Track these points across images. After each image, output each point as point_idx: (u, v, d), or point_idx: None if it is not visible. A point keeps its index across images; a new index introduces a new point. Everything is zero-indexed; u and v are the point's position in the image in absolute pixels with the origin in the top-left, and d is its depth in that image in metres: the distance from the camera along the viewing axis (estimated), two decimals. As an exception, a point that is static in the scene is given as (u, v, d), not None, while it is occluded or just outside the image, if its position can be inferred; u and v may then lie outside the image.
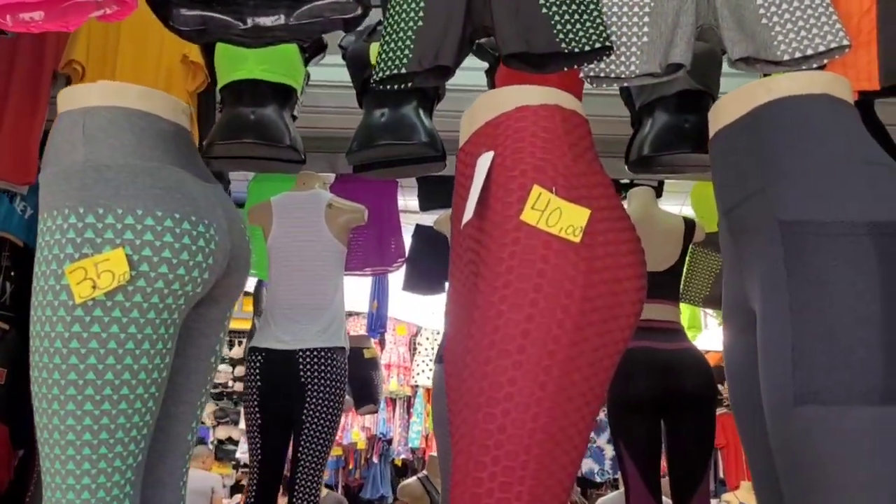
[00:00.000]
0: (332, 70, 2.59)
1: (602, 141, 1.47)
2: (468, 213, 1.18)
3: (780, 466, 1.05)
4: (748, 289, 1.15)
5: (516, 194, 1.14)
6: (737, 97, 1.19)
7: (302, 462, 2.55)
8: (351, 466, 6.39)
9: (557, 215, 1.12)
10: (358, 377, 4.00)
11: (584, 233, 1.12)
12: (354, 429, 5.89)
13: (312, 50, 2.40)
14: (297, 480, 2.58)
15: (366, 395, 4.15)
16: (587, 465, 6.08)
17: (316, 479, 2.57)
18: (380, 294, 4.85)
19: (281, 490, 2.84)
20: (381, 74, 1.46)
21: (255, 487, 2.68)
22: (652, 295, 2.63)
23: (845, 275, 0.99)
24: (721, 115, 1.22)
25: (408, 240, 3.57)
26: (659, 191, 3.19)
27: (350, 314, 5.75)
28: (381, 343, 6.35)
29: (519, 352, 1.07)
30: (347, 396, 4.10)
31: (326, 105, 2.75)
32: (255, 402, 2.68)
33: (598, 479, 6.01)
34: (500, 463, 1.04)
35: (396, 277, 3.81)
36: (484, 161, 1.19)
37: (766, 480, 1.19)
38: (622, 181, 3.05)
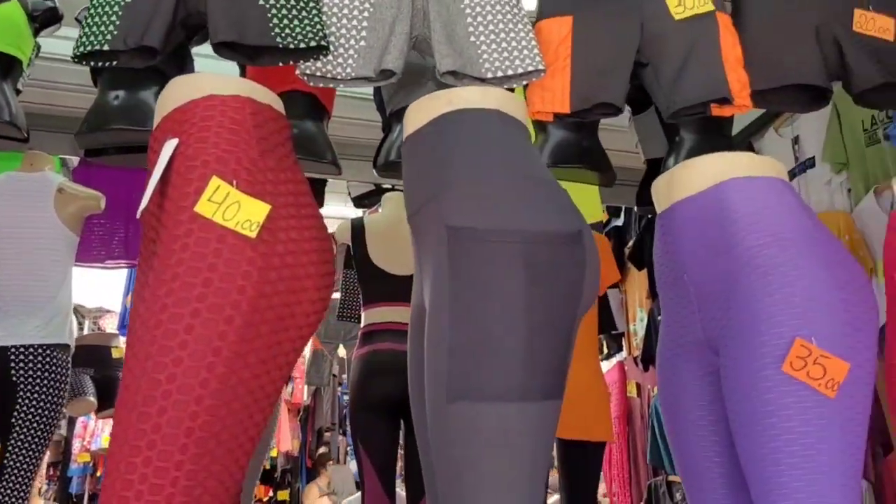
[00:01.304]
0: (70, 44, 2.40)
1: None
2: (144, 202, 1.13)
3: (434, 461, 1.09)
4: (424, 289, 1.19)
5: (194, 185, 1.11)
6: (425, 105, 1.23)
7: (8, 472, 2.32)
8: (100, 473, 5.95)
9: (235, 209, 1.10)
10: (103, 377, 3.74)
11: (264, 228, 1.11)
12: (105, 434, 5.50)
13: (44, 20, 2.22)
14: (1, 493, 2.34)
15: (112, 397, 3.89)
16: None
17: (22, 491, 2.34)
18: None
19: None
20: (80, 49, 1.36)
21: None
22: (397, 298, 2.72)
23: (497, 279, 1.05)
24: (410, 121, 1.26)
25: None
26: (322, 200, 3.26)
27: (103, 311, 5.38)
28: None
29: (181, 347, 1.03)
30: (91, 398, 3.82)
31: (65, 82, 2.55)
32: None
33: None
34: (151, 464, 0.99)
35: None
36: (167, 148, 1.15)
37: (431, 475, 1.24)
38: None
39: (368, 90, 2.39)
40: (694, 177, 1.32)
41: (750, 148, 2.83)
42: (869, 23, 1.52)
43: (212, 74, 1.22)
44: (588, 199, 2.99)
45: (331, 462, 6.65)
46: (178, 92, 1.20)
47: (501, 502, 1.01)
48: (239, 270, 1.07)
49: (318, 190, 3.31)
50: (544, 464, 1.07)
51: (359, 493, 2.69)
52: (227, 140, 1.14)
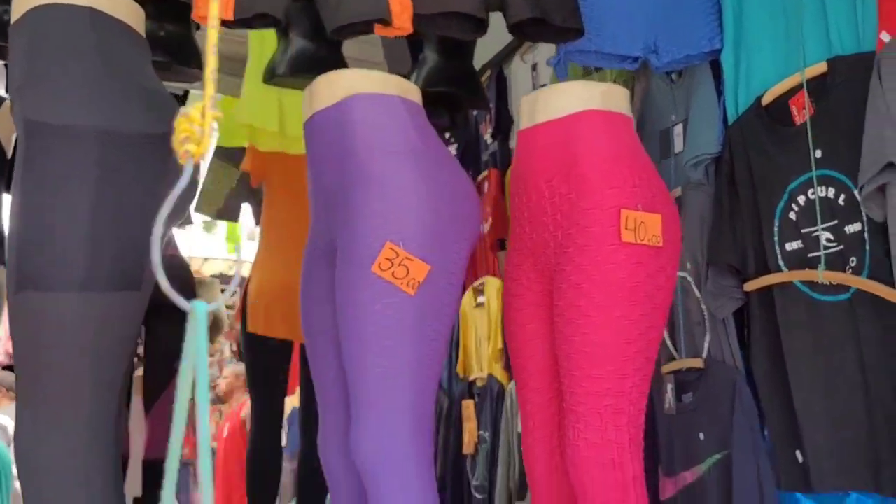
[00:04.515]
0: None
1: None
2: None
3: (15, 354, 1.14)
4: None
5: None
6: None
7: None
8: None
9: None
10: None
11: None
12: None
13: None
14: None
15: None
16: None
17: None
18: None
19: None
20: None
21: None
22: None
23: (65, 175, 1.10)
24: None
25: None
26: (183, 100, 3.20)
27: None
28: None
29: None
30: None
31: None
32: None
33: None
34: None
35: None
36: None
37: None
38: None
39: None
40: (328, 90, 1.39)
41: (501, 73, 2.97)
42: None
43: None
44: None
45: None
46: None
47: (61, 392, 1.08)
48: None
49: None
50: (113, 358, 1.14)
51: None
52: None
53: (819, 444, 1.48)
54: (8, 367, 4.49)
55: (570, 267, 1.35)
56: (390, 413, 1.25)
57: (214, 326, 3.71)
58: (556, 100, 1.43)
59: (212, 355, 6.12)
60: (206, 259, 6.04)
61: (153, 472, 2.65)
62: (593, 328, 1.31)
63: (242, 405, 4.70)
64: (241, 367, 5.24)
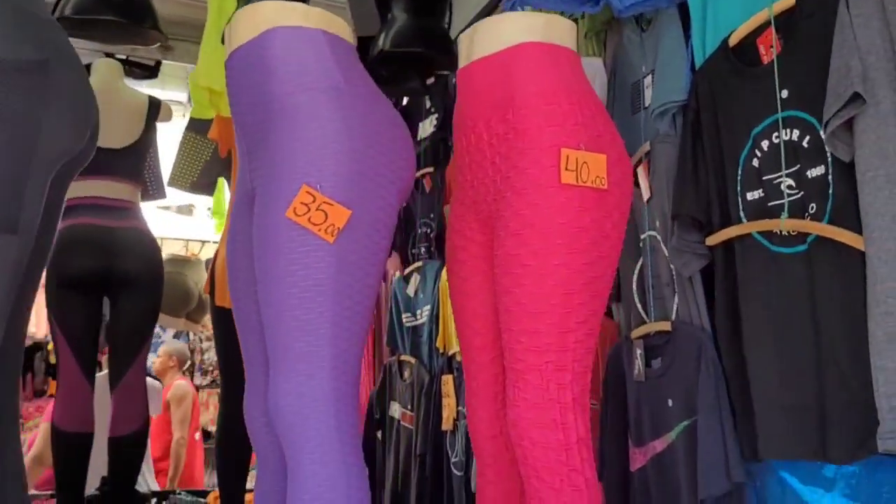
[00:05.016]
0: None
1: None
2: None
3: None
4: None
5: None
6: None
7: None
8: None
9: None
10: None
11: None
12: None
13: None
14: None
15: None
16: (150, 360, 6.01)
17: None
18: None
19: None
20: None
21: None
22: (105, 172, 2.61)
23: None
24: None
25: None
26: (156, 71, 3.13)
27: None
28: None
29: None
30: None
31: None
32: None
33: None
34: None
35: None
36: None
37: None
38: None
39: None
40: (250, 23, 1.29)
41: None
42: None
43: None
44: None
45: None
46: None
47: None
48: None
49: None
50: None
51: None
52: None
53: (766, 409, 1.37)
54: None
55: (509, 213, 1.25)
56: (308, 371, 1.16)
57: (184, 303, 3.63)
58: (494, 32, 1.32)
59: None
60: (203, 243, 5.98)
61: (118, 449, 2.60)
62: (532, 279, 1.21)
63: (170, 387, 4.68)
64: (174, 347, 5.23)
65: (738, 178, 1.47)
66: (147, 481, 3.73)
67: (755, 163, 1.45)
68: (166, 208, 5.40)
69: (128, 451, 2.57)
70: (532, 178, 1.22)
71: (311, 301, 1.15)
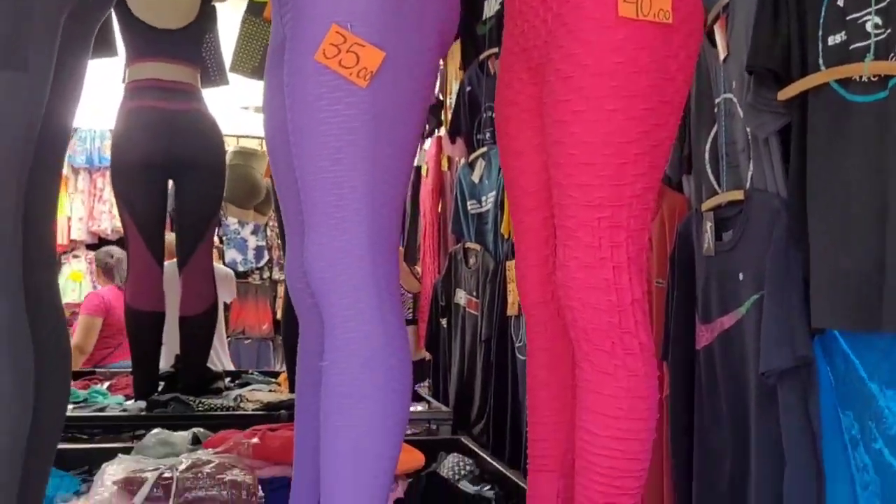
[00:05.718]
0: None
1: None
2: None
3: None
4: None
5: None
6: None
7: None
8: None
9: None
10: None
11: None
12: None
13: None
14: None
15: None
16: (230, 255, 6.18)
17: None
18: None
19: None
20: None
21: None
22: (164, 53, 2.58)
23: None
24: None
25: None
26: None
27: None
28: None
29: None
30: None
31: None
32: None
33: (240, 269, 6.15)
34: None
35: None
36: None
37: None
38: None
39: None
40: None
41: None
42: None
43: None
44: None
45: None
46: None
47: None
48: None
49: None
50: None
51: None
52: None
53: (820, 273, 1.25)
54: None
55: (559, 55, 1.13)
56: (341, 227, 1.10)
57: (252, 195, 3.62)
58: None
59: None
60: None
61: (188, 328, 2.67)
62: (583, 126, 1.10)
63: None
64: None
65: (820, 21, 1.31)
66: (222, 361, 3.87)
67: (840, 1, 1.28)
68: (246, 108, 5.39)
69: (197, 330, 2.65)
70: (586, 13, 1.10)
71: (344, 151, 1.09)
